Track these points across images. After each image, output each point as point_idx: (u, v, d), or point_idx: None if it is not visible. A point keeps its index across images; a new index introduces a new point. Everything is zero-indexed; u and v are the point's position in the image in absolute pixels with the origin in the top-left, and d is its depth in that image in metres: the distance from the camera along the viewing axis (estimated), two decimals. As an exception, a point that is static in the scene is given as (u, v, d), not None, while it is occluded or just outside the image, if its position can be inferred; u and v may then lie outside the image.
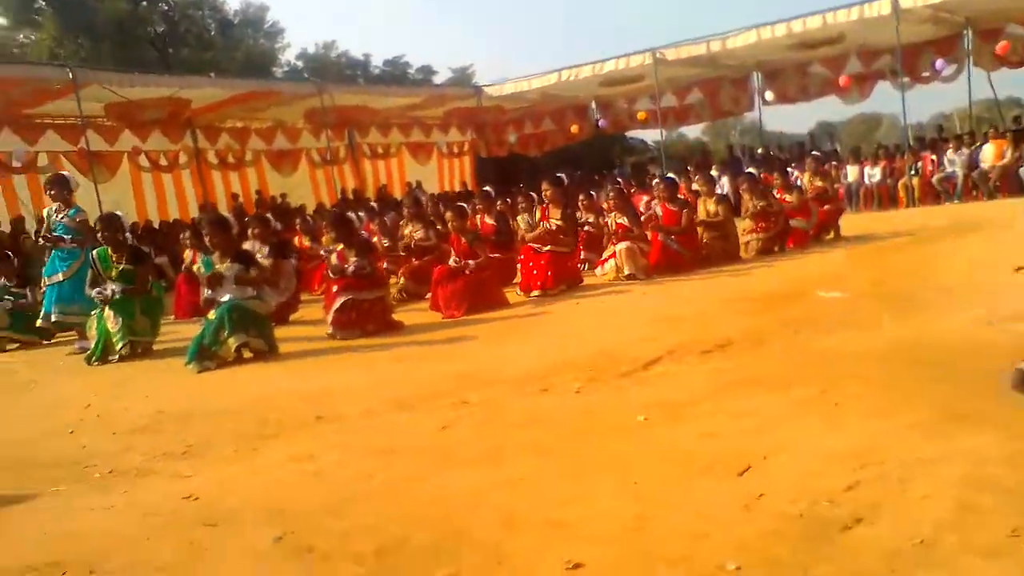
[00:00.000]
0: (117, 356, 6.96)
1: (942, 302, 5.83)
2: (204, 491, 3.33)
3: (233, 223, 7.33)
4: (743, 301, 6.76)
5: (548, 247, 8.67)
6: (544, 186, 9.32)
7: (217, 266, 6.53)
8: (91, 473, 3.81)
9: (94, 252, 7.27)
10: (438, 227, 10.07)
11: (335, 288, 7.11)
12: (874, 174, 16.75)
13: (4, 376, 7.01)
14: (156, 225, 16.82)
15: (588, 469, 3.12)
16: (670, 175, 12.73)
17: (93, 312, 7.19)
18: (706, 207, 9.93)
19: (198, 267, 6.79)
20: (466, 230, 8.31)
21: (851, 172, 17.16)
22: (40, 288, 9.04)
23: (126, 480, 3.66)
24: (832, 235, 11.18)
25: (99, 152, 15.39)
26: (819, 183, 11.33)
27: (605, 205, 10.18)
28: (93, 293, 7.12)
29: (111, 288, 6.96)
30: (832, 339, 4.96)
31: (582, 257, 10.02)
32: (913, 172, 16.10)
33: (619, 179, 18.22)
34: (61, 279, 7.74)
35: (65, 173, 8.84)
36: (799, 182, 12.45)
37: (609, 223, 9.55)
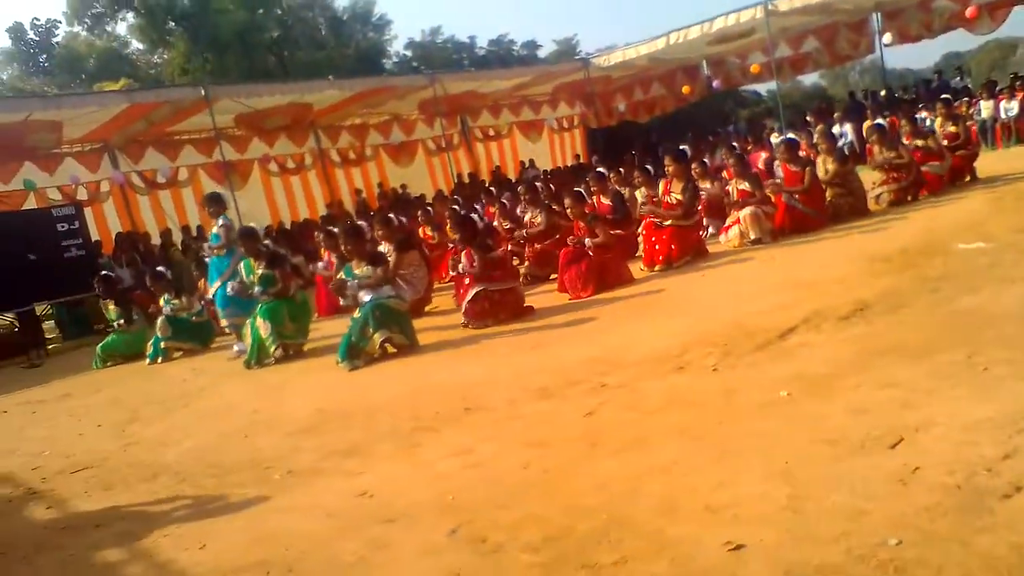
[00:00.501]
0: (272, 359, 7.51)
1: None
2: (376, 488, 3.63)
3: (365, 227, 7.72)
4: (877, 260, 6.57)
5: (667, 222, 8.67)
6: (667, 161, 9.24)
7: (356, 271, 6.97)
8: (271, 475, 4.18)
9: (240, 264, 7.94)
10: (554, 208, 10.22)
11: (467, 280, 7.38)
12: (1011, 108, 15.66)
13: (176, 384, 7.63)
14: (288, 226, 17.71)
15: (736, 450, 3.20)
16: (790, 135, 12.34)
17: (247, 319, 7.78)
18: (825, 166, 9.62)
19: (340, 275, 7.23)
20: (585, 215, 8.42)
21: (985, 108, 16.08)
22: (196, 296, 9.83)
23: (303, 480, 4.00)
24: (968, 178, 10.63)
25: (232, 161, 16.34)
26: (951, 128, 10.75)
27: (725, 173, 10.03)
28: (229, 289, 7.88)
29: (256, 289, 7.55)
30: (975, 297, 4.82)
31: (704, 224, 9.96)
32: (1058, 101, 14.97)
33: (733, 139, 17.80)
34: (219, 284, 8.40)
35: (218, 192, 9.57)
36: (929, 124, 11.85)
37: (730, 190, 9.43)
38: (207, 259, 8.94)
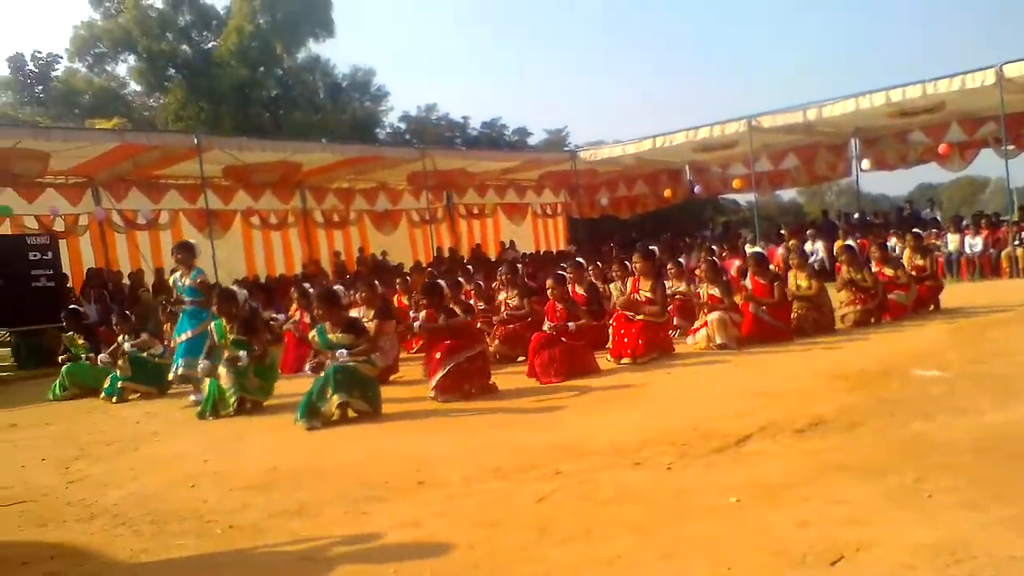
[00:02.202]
0: (230, 410, 7.42)
1: (1047, 388, 5.71)
2: (318, 553, 3.59)
3: (340, 292, 7.73)
4: (837, 377, 6.72)
5: (640, 316, 8.81)
6: (635, 258, 9.47)
7: (329, 335, 6.97)
8: (213, 528, 4.10)
9: (211, 325, 7.83)
10: (531, 290, 10.34)
11: (438, 355, 7.39)
12: (975, 244, 16.26)
13: (128, 426, 7.51)
14: (263, 280, 17.69)
15: (681, 550, 3.23)
16: (757, 249, 12.69)
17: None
18: (797, 280, 9.90)
19: (313, 335, 7.21)
20: (565, 298, 8.54)
21: (952, 241, 16.70)
22: (159, 339, 9.71)
23: (245, 536, 3.93)
24: (932, 308, 10.95)
25: (215, 211, 16.42)
26: (919, 261, 11.12)
27: (697, 272, 10.25)
28: (200, 365, 7.74)
29: (242, 354, 7.46)
30: (928, 423, 4.94)
31: (674, 324, 10.12)
32: (1017, 242, 15.58)
33: (710, 244, 18.22)
34: (189, 336, 8.30)
35: (191, 241, 9.47)
36: (898, 252, 12.25)
37: (701, 294, 9.63)
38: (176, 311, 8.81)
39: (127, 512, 4.50)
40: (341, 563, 3.45)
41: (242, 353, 7.48)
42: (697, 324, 9.51)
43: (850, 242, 13.15)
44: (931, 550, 2.98)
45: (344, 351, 6.76)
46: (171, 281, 9.12)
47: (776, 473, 4.18)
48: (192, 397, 8.29)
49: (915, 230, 13.03)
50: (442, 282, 8.47)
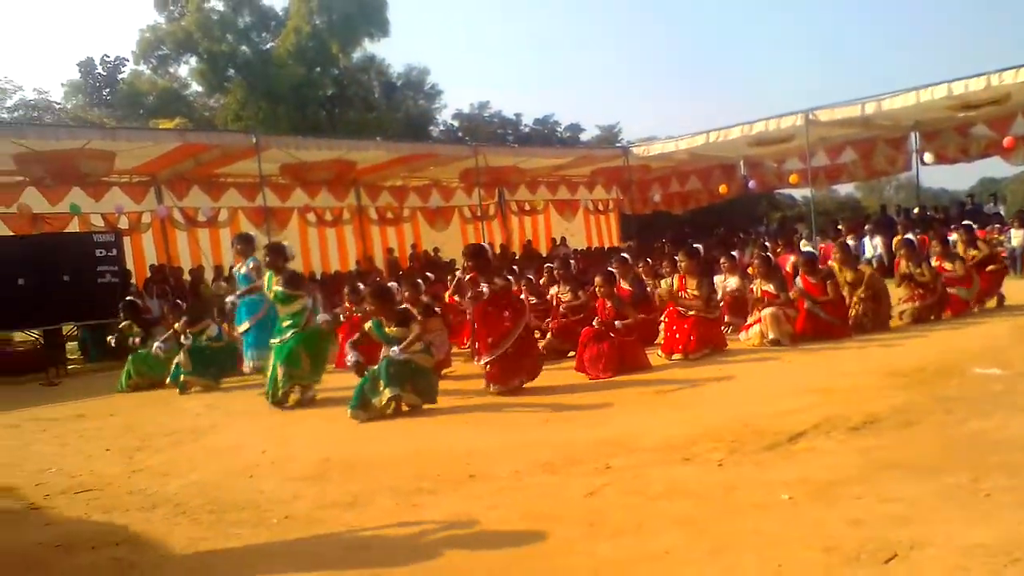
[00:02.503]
0: (289, 401, 7.61)
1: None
2: (371, 543, 3.67)
3: (394, 288, 7.80)
4: (894, 374, 6.58)
5: (691, 312, 8.76)
6: (679, 257, 9.38)
7: (387, 330, 7.06)
8: (269, 518, 4.22)
9: (266, 277, 8.02)
10: (584, 283, 10.35)
11: (489, 340, 7.42)
12: (1041, 238, 15.72)
13: (189, 418, 7.73)
14: (319, 276, 18.00)
15: (731, 547, 3.22)
16: (808, 249, 12.44)
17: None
18: (844, 277, 9.67)
19: (369, 327, 7.32)
20: (613, 295, 8.53)
21: (1015, 236, 16.16)
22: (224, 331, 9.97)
23: (299, 527, 4.03)
24: (995, 302, 10.66)
25: (273, 208, 16.76)
26: (972, 252, 10.77)
27: (750, 269, 10.13)
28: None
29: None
30: (986, 422, 4.82)
31: (726, 320, 10.04)
32: (1087, 237, 15.05)
33: (764, 240, 17.95)
34: (248, 327, 8.51)
35: (250, 233, 9.75)
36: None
37: (754, 289, 9.52)
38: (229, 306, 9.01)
39: (187, 501, 4.65)
40: (392, 554, 3.52)
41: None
42: (751, 320, 9.41)
43: (910, 236, 12.86)
44: (986, 550, 2.92)
45: (397, 348, 6.86)
46: (232, 272, 9.39)
47: (829, 470, 4.13)
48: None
49: (966, 222, 12.66)
50: (487, 246, 8.43)
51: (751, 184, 22.66)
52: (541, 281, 11.69)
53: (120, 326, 10.71)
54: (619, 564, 3.14)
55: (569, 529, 3.61)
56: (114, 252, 12.96)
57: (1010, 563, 2.79)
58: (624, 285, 9.92)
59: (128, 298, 11.28)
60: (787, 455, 4.57)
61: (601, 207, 25.10)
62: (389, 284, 9.38)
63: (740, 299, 10.14)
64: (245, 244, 8.89)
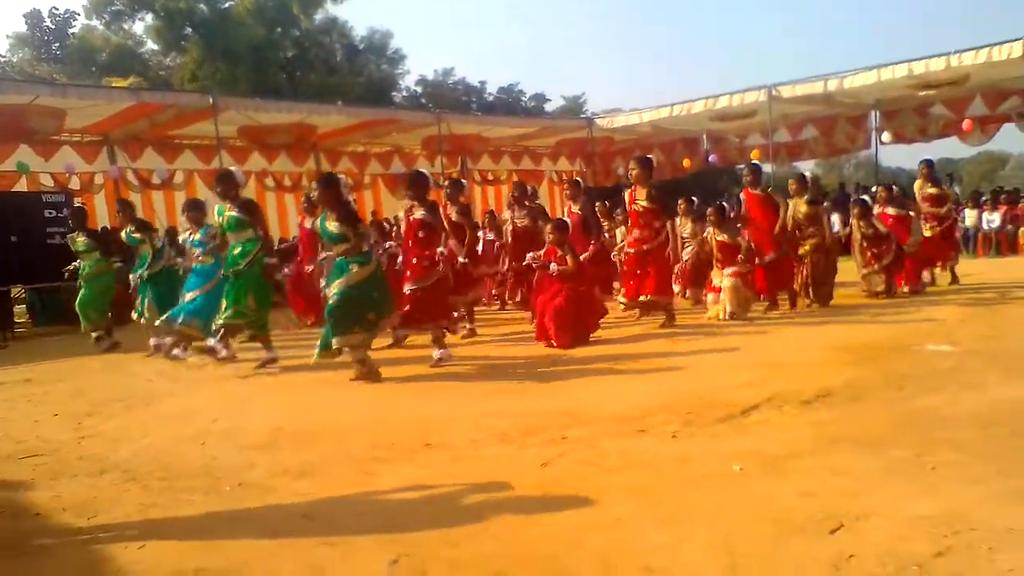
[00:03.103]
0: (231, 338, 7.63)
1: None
2: (322, 511, 3.65)
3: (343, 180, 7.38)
4: (846, 350, 6.70)
5: (635, 234, 8.71)
6: (631, 165, 8.97)
7: (329, 225, 6.72)
8: (221, 485, 4.16)
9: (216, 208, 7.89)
10: (543, 214, 10.39)
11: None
12: (993, 219, 16.14)
13: (141, 383, 7.59)
14: (276, 242, 17.73)
15: (682, 517, 3.25)
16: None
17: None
18: (799, 209, 9.63)
19: (312, 223, 7.15)
20: (565, 244, 8.27)
21: (969, 216, 16.55)
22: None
23: (252, 495, 3.99)
24: (949, 280, 10.91)
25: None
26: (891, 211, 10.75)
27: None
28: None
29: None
30: (935, 398, 4.94)
31: (687, 295, 10.25)
32: (1037, 219, 15.44)
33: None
34: (196, 295, 8.35)
35: (201, 199, 9.47)
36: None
37: (709, 238, 9.54)
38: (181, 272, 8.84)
39: (137, 468, 4.57)
40: (345, 523, 3.50)
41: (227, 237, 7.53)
42: (715, 282, 9.40)
43: (865, 197, 13.03)
44: (929, 521, 2.99)
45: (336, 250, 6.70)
46: (182, 241, 9.16)
47: (780, 443, 4.19)
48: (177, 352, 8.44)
49: (863, 197, 12.74)
50: (428, 174, 7.96)
51: (712, 158, 22.77)
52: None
53: (68, 238, 10.22)
54: (572, 532, 3.16)
55: (523, 498, 3.62)
56: (64, 213, 12.61)
57: (952, 534, 2.86)
58: (575, 209, 9.88)
59: (76, 206, 11.19)
60: (740, 428, 4.63)
61: (565, 178, 25.02)
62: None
63: (699, 264, 10.23)
64: (197, 211, 8.60)
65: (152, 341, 9.15)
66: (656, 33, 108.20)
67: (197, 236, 8.48)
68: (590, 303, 8.33)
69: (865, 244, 10.16)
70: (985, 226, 16.19)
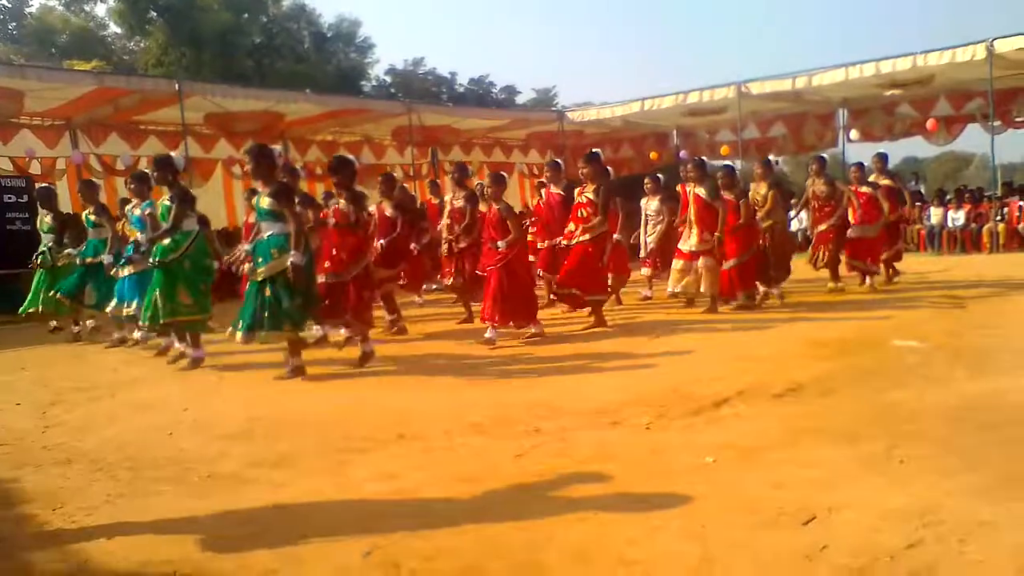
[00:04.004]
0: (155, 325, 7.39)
1: (1018, 361, 5.80)
2: (296, 502, 3.61)
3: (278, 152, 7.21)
4: (817, 345, 6.78)
5: (569, 227, 8.64)
6: (580, 164, 8.85)
7: (261, 200, 6.43)
8: (191, 476, 4.11)
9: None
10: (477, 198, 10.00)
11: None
12: (957, 217, 16.45)
13: (106, 373, 7.45)
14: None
15: (656, 508, 3.27)
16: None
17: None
18: (758, 191, 9.99)
19: (246, 197, 6.97)
20: (500, 199, 7.97)
21: (935, 214, 16.88)
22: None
23: (223, 485, 3.94)
24: (891, 272, 11.20)
25: (196, 159, 16.15)
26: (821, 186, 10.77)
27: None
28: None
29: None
30: (903, 392, 5.02)
31: (650, 275, 10.65)
32: (999, 218, 15.76)
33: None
34: (130, 272, 8.15)
35: (146, 171, 8.92)
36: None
37: (687, 193, 9.42)
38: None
39: (104, 457, 4.50)
40: (317, 513, 3.47)
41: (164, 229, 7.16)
42: (681, 247, 9.34)
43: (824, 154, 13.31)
44: (900, 514, 3.04)
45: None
46: (124, 212, 8.86)
47: (752, 436, 4.24)
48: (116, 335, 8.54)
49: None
50: (354, 159, 7.77)
51: (681, 154, 22.87)
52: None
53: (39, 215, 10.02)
54: (546, 524, 3.16)
55: (497, 490, 3.61)
56: (24, 199, 12.35)
57: (922, 526, 2.91)
58: (555, 190, 9.91)
59: (42, 186, 10.68)
60: (713, 420, 4.67)
61: (536, 171, 25.01)
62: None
63: (665, 250, 10.30)
64: (140, 183, 8.16)
65: (115, 335, 9.03)
66: (629, 28, 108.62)
67: (137, 212, 8.19)
68: (530, 277, 8.18)
69: (816, 205, 10.47)
70: (950, 224, 16.49)
